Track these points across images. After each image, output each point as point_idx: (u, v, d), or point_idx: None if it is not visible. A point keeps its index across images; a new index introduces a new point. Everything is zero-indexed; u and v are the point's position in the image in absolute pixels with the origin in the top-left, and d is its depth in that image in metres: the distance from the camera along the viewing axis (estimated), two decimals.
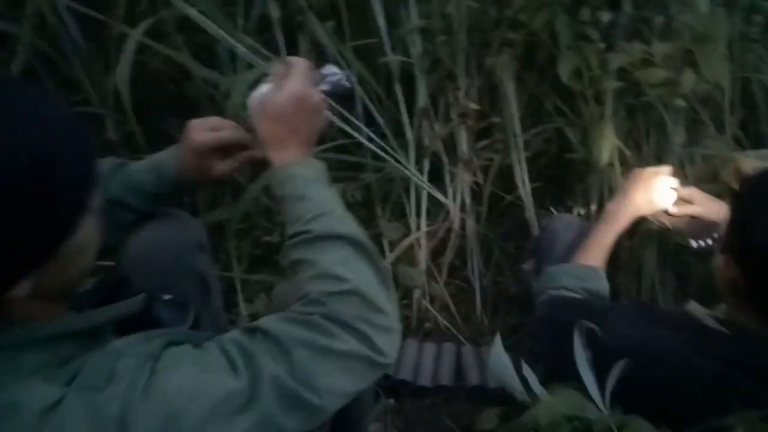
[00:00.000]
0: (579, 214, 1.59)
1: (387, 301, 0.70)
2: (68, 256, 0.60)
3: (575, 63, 1.41)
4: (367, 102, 1.52)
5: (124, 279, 0.81)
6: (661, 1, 1.51)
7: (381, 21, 1.51)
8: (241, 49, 1.20)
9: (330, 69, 0.90)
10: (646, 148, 1.59)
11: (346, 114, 1.48)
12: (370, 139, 1.51)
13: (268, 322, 0.66)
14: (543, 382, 1.20)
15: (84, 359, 0.59)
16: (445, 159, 1.64)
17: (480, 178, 1.73)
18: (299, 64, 0.82)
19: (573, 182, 1.72)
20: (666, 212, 1.23)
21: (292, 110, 0.79)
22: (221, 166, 0.92)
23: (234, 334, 0.66)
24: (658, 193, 1.21)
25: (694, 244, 1.22)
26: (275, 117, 0.79)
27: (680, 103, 1.54)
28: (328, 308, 0.66)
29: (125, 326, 0.67)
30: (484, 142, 1.73)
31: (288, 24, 1.39)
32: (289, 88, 0.79)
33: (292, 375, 0.62)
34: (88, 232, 0.62)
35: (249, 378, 0.61)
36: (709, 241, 1.22)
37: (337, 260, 0.70)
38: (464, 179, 1.65)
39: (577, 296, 1.11)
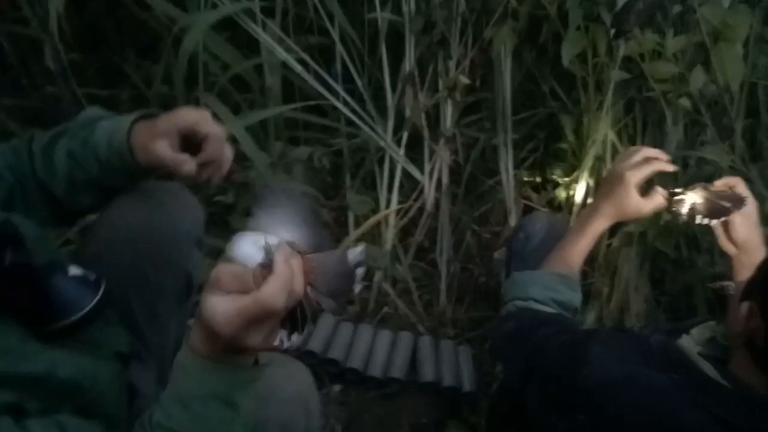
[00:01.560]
0: (560, 211, 1.48)
1: None
2: None
3: (581, 46, 1.27)
4: (347, 60, 1.36)
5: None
6: None
7: None
8: None
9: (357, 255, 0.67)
10: (639, 144, 1.48)
11: (322, 72, 1.32)
12: (346, 103, 1.37)
13: None
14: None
15: None
16: (426, 133, 1.51)
17: (461, 158, 1.62)
18: (294, 264, 0.57)
19: (560, 173, 1.61)
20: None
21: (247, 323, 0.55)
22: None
23: None
24: (636, 196, 1.06)
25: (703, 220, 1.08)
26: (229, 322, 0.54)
27: (685, 102, 1.43)
28: None
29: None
30: (469, 119, 1.61)
31: None
32: (265, 294, 0.54)
33: None
34: None
35: None
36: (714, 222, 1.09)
37: None
38: (444, 157, 1.52)
39: (548, 310, 1.00)
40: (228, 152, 0.78)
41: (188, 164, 0.74)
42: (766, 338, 0.69)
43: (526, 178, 1.67)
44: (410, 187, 1.55)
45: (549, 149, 1.63)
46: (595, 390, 0.80)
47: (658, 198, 1.04)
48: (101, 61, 1.55)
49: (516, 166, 1.63)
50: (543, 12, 1.31)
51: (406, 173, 1.52)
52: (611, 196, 1.05)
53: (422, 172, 1.51)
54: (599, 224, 1.07)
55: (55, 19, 1.24)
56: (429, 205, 1.52)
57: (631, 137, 1.54)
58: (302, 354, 1.25)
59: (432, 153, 1.52)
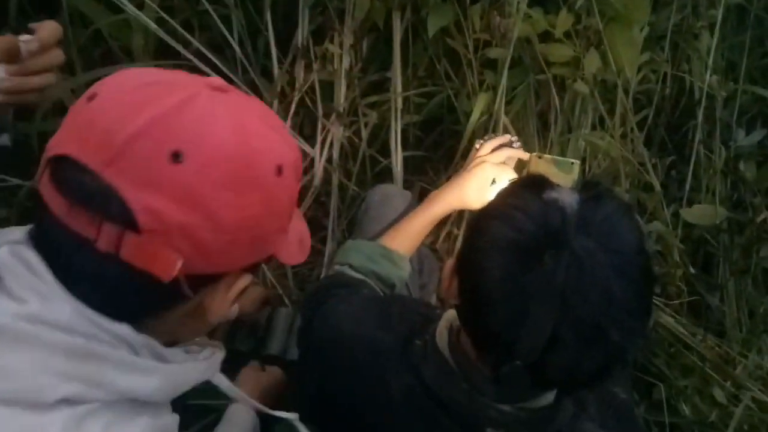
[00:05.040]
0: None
1: None
2: None
3: (447, 18, 1.24)
4: (223, 29, 1.36)
5: None
6: None
7: None
8: None
9: None
10: (531, 128, 1.43)
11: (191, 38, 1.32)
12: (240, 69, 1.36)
13: None
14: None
15: None
16: (320, 109, 1.49)
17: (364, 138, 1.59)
18: None
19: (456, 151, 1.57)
20: None
21: None
22: None
23: None
24: (489, 190, 1.04)
25: None
26: None
27: (581, 87, 1.38)
28: None
29: None
30: (373, 99, 1.58)
31: None
32: None
33: None
34: None
35: None
36: None
37: None
38: (336, 133, 1.50)
39: (359, 277, 0.98)
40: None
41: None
42: (460, 296, 0.65)
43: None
44: (304, 163, 1.53)
45: (451, 131, 1.59)
46: (322, 342, 0.78)
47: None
48: None
49: (417, 147, 1.60)
50: None
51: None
52: (465, 184, 1.04)
53: (313, 146, 1.50)
54: (441, 207, 1.06)
55: None
56: (317, 180, 1.51)
57: (544, 122, 1.50)
58: None
59: (325, 129, 1.51)
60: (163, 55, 1.36)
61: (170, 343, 0.55)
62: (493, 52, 1.32)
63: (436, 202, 1.05)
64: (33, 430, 0.46)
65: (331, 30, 1.44)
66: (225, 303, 0.56)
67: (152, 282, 0.47)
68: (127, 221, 0.46)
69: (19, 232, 0.52)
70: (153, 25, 1.19)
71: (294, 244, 0.59)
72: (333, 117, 1.49)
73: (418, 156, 1.60)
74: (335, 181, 1.51)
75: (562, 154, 1.46)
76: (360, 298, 0.86)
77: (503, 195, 0.63)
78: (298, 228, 0.61)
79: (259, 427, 0.83)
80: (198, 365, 0.57)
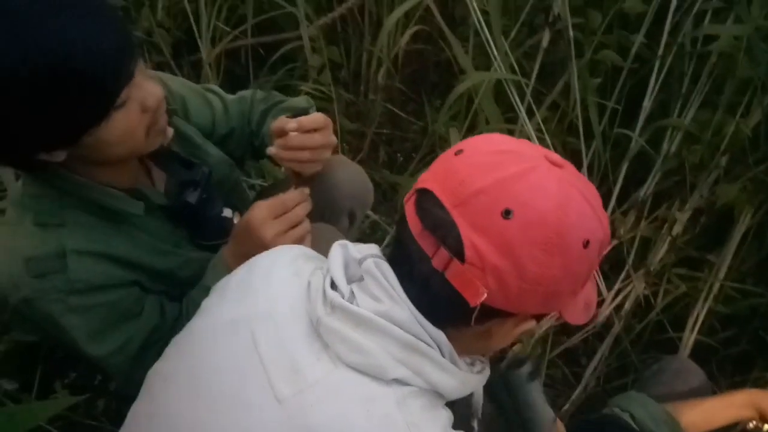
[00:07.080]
0: None
1: None
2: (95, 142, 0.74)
3: None
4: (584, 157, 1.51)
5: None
6: None
7: (646, 101, 1.49)
8: None
9: None
10: None
11: None
12: None
13: None
14: None
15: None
16: (631, 258, 1.55)
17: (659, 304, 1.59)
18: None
19: (756, 367, 1.47)
20: None
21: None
22: None
23: None
24: None
25: None
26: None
27: None
28: None
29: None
30: (685, 271, 1.58)
31: None
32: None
33: None
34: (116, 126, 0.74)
35: None
36: None
37: None
38: (637, 288, 1.53)
39: (637, 429, 1.00)
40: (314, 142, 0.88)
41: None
42: None
43: None
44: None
45: (757, 339, 1.50)
46: None
47: None
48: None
49: (709, 335, 1.54)
50: None
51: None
52: None
53: (609, 290, 1.55)
54: (746, 408, 1.04)
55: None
56: (599, 320, 1.54)
57: None
58: None
59: (628, 279, 1.55)
60: None
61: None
62: None
63: (742, 398, 1.03)
64: (375, 394, 0.61)
65: (676, 199, 1.50)
66: (509, 337, 0.66)
67: (461, 301, 0.60)
68: (457, 252, 0.59)
69: (375, 246, 0.70)
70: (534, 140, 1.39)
71: (580, 306, 0.67)
72: (641, 272, 1.53)
73: (704, 343, 1.53)
74: (615, 330, 1.53)
75: None
76: None
77: None
78: (589, 293, 0.69)
79: None
80: (478, 377, 0.69)
